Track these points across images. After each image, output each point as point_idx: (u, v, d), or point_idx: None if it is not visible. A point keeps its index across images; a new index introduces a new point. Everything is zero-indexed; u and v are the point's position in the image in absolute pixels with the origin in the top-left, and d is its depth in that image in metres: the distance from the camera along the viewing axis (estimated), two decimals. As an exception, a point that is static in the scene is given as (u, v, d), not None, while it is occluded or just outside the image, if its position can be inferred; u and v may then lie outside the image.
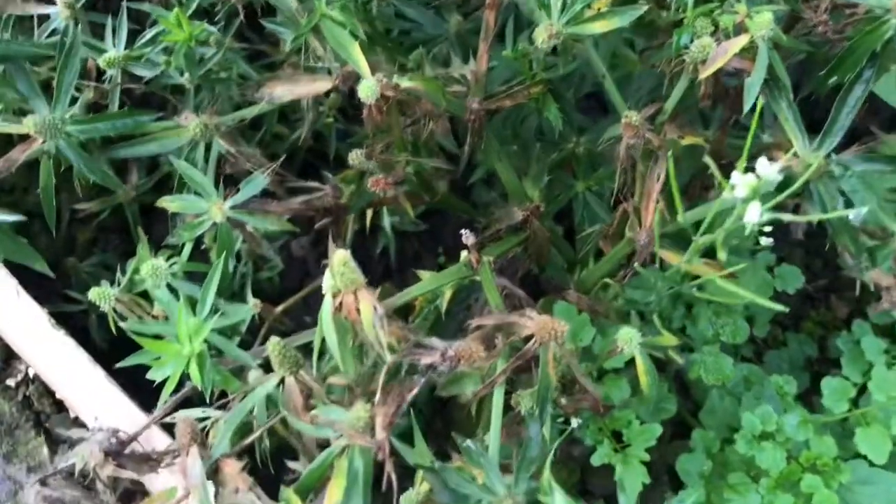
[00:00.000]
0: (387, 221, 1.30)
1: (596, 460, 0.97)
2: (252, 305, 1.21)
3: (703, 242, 0.74)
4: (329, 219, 1.00)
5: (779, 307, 0.73)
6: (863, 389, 1.15)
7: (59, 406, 1.30)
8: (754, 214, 0.64)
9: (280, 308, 1.22)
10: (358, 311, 0.69)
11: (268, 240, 1.32)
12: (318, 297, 0.99)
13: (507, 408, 0.91)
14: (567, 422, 0.94)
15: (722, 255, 0.66)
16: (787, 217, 0.66)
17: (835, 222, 0.79)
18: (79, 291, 1.34)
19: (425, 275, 0.99)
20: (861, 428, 1.06)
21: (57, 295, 1.37)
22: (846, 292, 1.49)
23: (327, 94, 1.33)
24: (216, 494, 0.73)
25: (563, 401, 0.92)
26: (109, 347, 1.33)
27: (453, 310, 1.09)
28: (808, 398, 1.27)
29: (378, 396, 0.69)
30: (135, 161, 1.37)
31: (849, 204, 0.80)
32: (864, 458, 1.13)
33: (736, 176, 0.65)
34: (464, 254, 0.98)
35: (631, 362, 1.03)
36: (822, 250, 1.54)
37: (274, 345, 0.76)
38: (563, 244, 1.18)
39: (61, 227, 1.45)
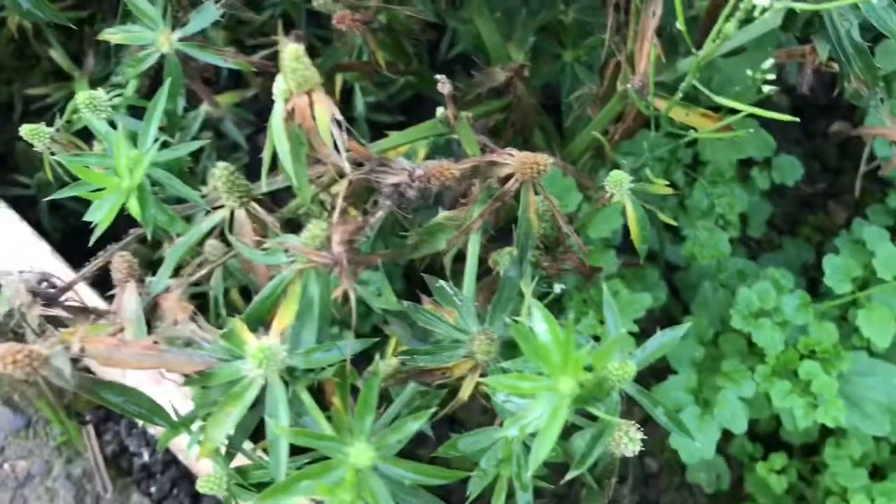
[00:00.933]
0: (360, 104, 1.21)
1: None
2: (211, 188, 1.13)
3: (708, 53, 0.66)
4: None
5: (782, 116, 0.65)
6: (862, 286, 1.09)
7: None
8: (764, -4, 0.56)
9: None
10: (313, 116, 0.60)
11: (235, 124, 1.24)
12: (283, 195, 0.90)
13: (486, 272, 0.84)
14: (549, 286, 0.86)
15: (729, 27, 0.58)
16: (799, 5, 0.58)
17: (848, 48, 0.71)
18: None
19: (395, 133, 0.91)
20: (864, 310, 1.00)
21: (7, 183, 1.28)
22: (845, 196, 1.42)
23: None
24: (154, 329, 0.65)
25: (545, 263, 0.85)
26: (62, 238, 1.24)
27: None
28: (804, 303, 1.21)
29: (336, 215, 0.61)
30: (91, 46, 1.28)
31: (865, 29, 0.72)
32: (864, 349, 1.07)
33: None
34: (439, 109, 0.90)
35: (626, 245, 0.96)
36: (820, 152, 1.47)
37: (221, 168, 0.68)
38: (546, 121, 1.10)
39: (14, 117, 1.36)
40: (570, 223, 0.92)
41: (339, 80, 1.08)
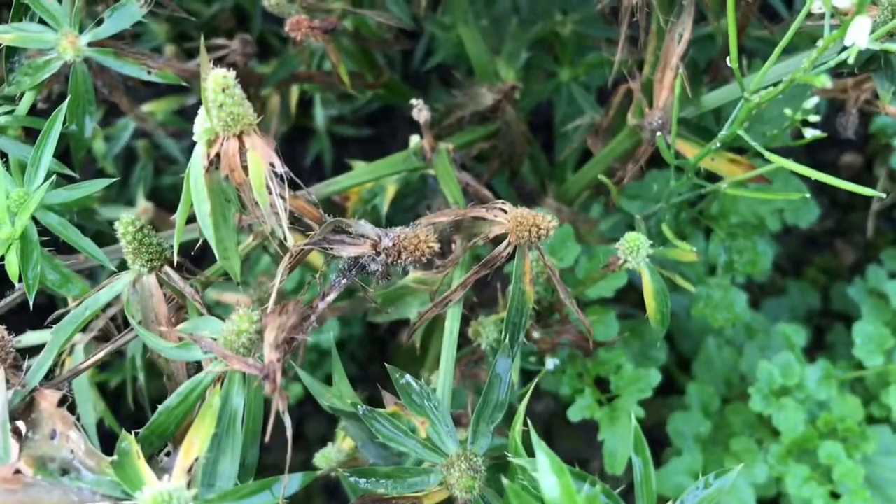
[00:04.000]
0: (319, 116, 1.05)
1: (574, 414, 0.74)
2: (141, 210, 0.97)
3: (764, 99, 0.51)
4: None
5: (870, 191, 0.50)
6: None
7: None
8: (862, 33, 0.41)
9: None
10: (245, 167, 0.44)
11: (172, 136, 1.07)
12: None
13: (463, 344, 0.69)
14: (539, 363, 0.72)
15: (823, 80, 0.43)
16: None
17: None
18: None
19: (359, 164, 0.75)
20: (895, 386, 0.86)
21: None
22: (854, 236, 1.30)
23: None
24: (25, 438, 0.48)
25: (537, 334, 0.70)
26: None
27: (398, 220, 0.85)
28: (809, 356, 1.08)
29: (272, 302, 0.45)
30: None
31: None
32: (884, 420, 0.94)
33: (835, -22, 0.42)
34: (413, 139, 0.75)
35: (622, 292, 0.81)
36: (828, 187, 1.34)
37: (126, 223, 0.52)
38: (538, 151, 0.95)
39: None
40: (565, 282, 0.77)
41: (295, 90, 0.92)
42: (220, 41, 0.77)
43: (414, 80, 1.15)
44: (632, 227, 0.74)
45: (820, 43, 0.45)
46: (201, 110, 0.46)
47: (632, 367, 0.74)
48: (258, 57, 0.99)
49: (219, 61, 0.76)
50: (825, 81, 0.43)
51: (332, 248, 0.48)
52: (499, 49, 0.89)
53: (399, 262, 0.48)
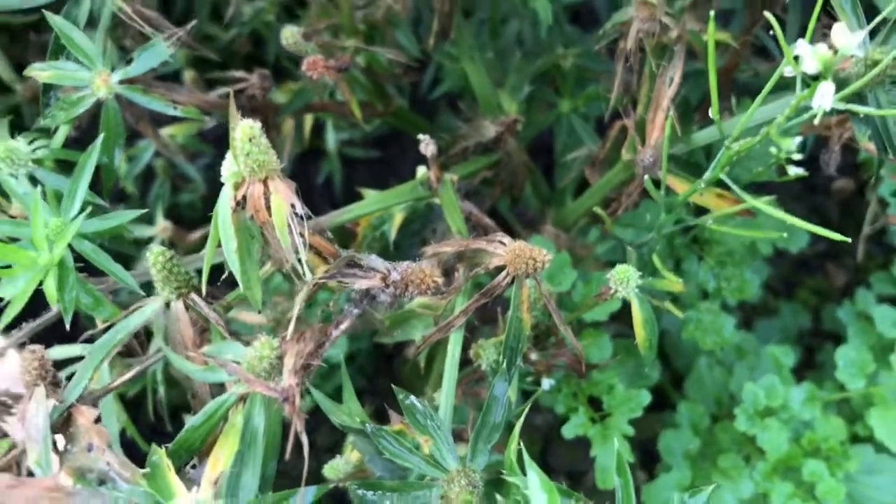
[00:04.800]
0: (331, 140, 1.10)
1: (568, 432, 0.79)
2: (160, 228, 1.02)
3: (743, 148, 0.56)
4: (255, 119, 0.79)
5: (837, 236, 0.55)
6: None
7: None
8: (827, 98, 0.46)
9: (197, 234, 1.02)
10: (268, 207, 0.49)
11: (189, 156, 1.11)
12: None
13: (465, 363, 0.73)
14: (536, 382, 0.76)
15: (787, 142, 0.48)
16: (858, 108, 0.48)
17: (894, 133, 0.62)
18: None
19: (370, 192, 0.80)
20: (878, 408, 0.90)
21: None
22: (845, 259, 1.34)
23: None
24: (64, 451, 0.53)
25: (534, 356, 0.74)
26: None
27: (405, 244, 0.90)
28: (799, 375, 1.12)
29: (291, 330, 0.50)
30: (36, 56, 1.15)
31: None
32: (868, 439, 0.98)
33: (803, 46, 0.46)
34: (420, 170, 0.79)
35: (615, 316, 0.86)
36: (821, 210, 1.39)
37: (156, 254, 0.57)
38: (539, 179, 1.00)
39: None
40: (561, 308, 0.82)
41: (309, 116, 0.97)
42: (240, 74, 0.82)
43: (422, 106, 1.19)
44: (628, 252, 0.79)
45: (792, 100, 0.50)
46: (228, 154, 0.51)
47: (623, 388, 0.79)
48: (274, 79, 1.04)
49: (238, 93, 0.81)
50: (791, 144, 0.47)
51: (345, 281, 0.52)
52: (502, 81, 0.94)
53: (406, 294, 0.53)
